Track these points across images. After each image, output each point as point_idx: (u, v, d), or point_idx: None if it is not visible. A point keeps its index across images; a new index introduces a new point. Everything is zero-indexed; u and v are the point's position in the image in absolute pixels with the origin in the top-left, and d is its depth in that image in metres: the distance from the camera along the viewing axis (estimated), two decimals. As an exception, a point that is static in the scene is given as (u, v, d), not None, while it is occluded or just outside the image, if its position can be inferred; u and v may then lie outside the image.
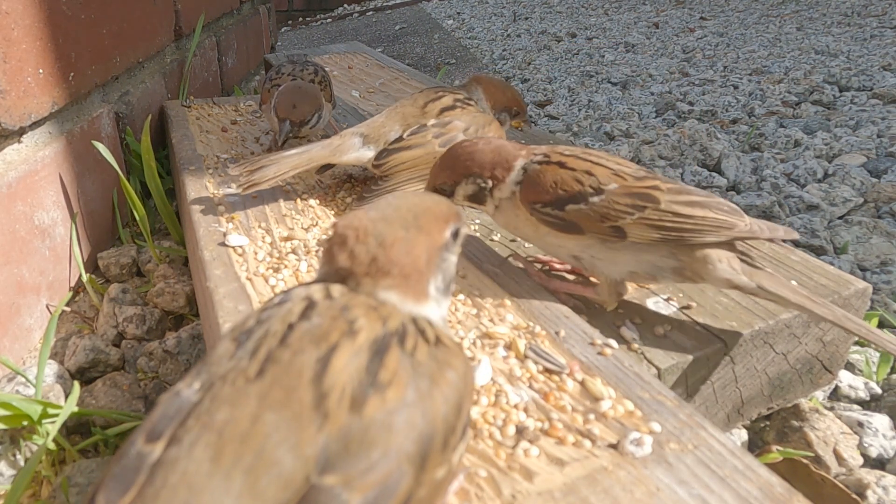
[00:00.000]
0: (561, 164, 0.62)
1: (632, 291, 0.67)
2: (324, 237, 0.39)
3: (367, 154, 0.85)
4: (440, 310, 0.40)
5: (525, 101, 0.98)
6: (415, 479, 0.31)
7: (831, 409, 0.71)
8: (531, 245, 0.75)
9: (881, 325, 0.84)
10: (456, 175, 0.66)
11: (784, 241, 0.63)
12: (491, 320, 0.59)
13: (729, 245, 0.60)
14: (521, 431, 0.46)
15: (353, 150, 0.84)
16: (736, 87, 1.98)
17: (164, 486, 0.29)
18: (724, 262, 0.59)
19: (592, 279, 0.67)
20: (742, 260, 0.60)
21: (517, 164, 0.64)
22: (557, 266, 0.71)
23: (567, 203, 0.60)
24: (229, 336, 0.36)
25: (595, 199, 0.60)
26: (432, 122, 0.85)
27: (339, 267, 0.38)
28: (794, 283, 0.61)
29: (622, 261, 0.61)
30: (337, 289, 0.38)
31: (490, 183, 0.65)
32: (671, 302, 0.65)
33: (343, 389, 0.31)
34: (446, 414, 0.33)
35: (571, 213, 0.60)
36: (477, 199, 0.66)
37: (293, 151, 0.81)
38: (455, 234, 0.42)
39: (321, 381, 0.32)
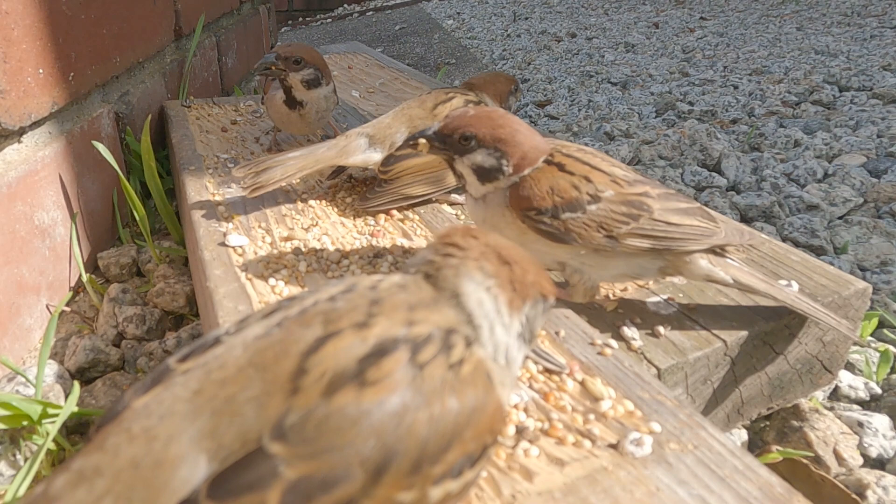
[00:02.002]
0: (560, 167, 0.59)
1: (632, 291, 0.67)
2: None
3: (374, 156, 0.83)
4: (507, 353, 0.38)
5: (523, 98, 0.99)
6: (362, 487, 0.30)
7: (831, 409, 0.71)
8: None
9: (881, 325, 0.84)
10: (488, 138, 0.59)
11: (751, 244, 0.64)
12: (491, 320, 0.58)
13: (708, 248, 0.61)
14: (521, 431, 0.46)
15: (359, 151, 0.83)
16: (736, 87, 1.97)
17: (157, 401, 0.32)
18: (704, 260, 0.61)
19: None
20: (717, 254, 0.61)
21: (539, 162, 0.60)
22: None
23: (564, 211, 0.58)
24: (281, 301, 0.38)
25: (593, 206, 0.58)
26: None
27: (449, 241, 0.39)
28: (757, 273, 0.62)
29: (611, 266, 0.60)
30: (390, 280, 0.38)
31: (510, 170, 0.59)
32: (671, 302, 0.65)
33: (324, 372, 0.32)
34: (426, 438, 0.32)
35: (568, 222, 0.58)
36: (484, 175, 0.60)
37: (298, 153, 0.80)
38: (544, 300, 0.41)
39: (308, 358, 0.32)
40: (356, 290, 0.36)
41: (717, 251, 0.61)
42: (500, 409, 0.36)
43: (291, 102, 0.95)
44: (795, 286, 0.66)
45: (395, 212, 0.81)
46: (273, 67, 0.92)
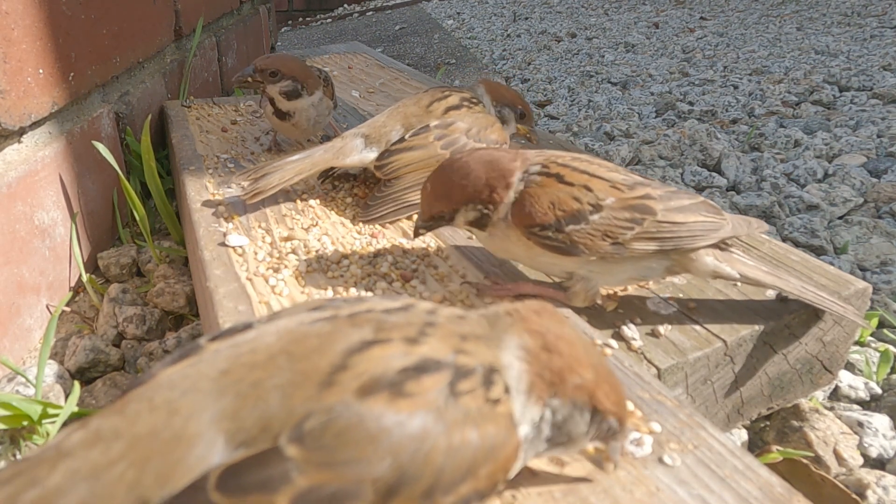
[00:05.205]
0: (559, 178, 0.59)
1: (632, 291, 0.67)
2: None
3: (370, 156, 0.84)
4: (526, 431, 0.36)
5: (526, 102, 0.96)
6: None
7: (831, 409, 0.71)
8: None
9: (881, 325, 0.84)
10: (454, 203, 0.60)
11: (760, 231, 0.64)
12: (491, 320, 0.58)
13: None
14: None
15: (355, 151, 0.83)
16: (736, 87, 1.97)
17: (182, 375, 0.33)
18: (710, 256, 0.61)
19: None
20: (722, 249, 0.61)
21: (515, 179, 0.60)
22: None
23: (567, 224, 0.58)
24: (330, 299, 0.38)
25: (595, 216, 0.58)
26: (435, 122, 0.84)
27: (514, 308, 0.38)
28: (762, 265, 0.62)
29: (619, 271, 0.60)
30: (450, 310, 0.37)
31: (491, 207, 0.60)
32: (671, 302, 0.65)
33: (363, 372, 0.32)
34: (442, 467, 0.31)
35: (572, 234, 0.58)
36: (479, 223, 0.61)
37: (296, 157, 0.81)
38: (593, 412, 0.38)
39: (352, 355, 0.32)
40: (413, 310, 0.36)
41: (722, 246, 0.61)
42: (518, 451, 0.35)
43: (280, 114, 0.97)
44: None
45: (395, 212, 0.81)
46: (250, 80, 0.93)
